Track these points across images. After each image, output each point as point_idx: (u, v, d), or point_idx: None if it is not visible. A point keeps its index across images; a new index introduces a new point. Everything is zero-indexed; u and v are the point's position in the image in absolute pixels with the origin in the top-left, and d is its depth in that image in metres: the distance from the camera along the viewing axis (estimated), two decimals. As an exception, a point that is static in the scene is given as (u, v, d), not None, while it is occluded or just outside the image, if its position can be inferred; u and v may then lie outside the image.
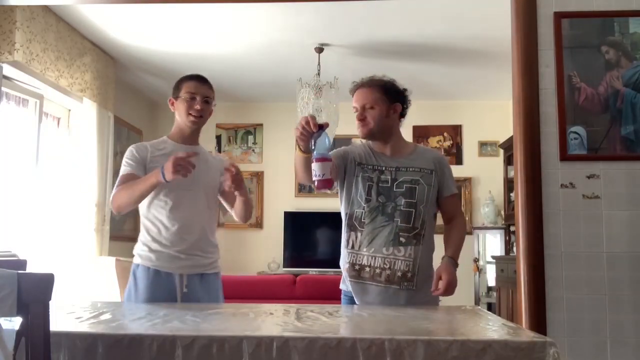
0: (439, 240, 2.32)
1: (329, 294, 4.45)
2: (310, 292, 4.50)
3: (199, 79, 2.45)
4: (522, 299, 2.47)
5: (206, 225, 2.44)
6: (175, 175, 2.11)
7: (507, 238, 6.19)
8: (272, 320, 1.71)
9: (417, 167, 2.32)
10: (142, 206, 2.39)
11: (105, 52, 5.22)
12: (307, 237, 6.73)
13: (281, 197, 6.93)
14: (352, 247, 2.27)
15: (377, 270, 2.21)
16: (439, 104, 6.79)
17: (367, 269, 2.22)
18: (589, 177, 2.48)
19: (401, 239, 2.22)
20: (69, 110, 5.02)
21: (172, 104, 2.46)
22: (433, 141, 6.85)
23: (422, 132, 6.83)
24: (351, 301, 2.29)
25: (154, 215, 2.37)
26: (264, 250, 6.85)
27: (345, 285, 2.33)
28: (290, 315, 1.77)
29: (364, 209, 2.27)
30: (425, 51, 5.20)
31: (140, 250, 2.39)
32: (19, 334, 1.23)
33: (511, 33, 2.61)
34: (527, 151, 2.51)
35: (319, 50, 5.09)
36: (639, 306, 2.42)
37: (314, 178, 2.01)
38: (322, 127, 2.00)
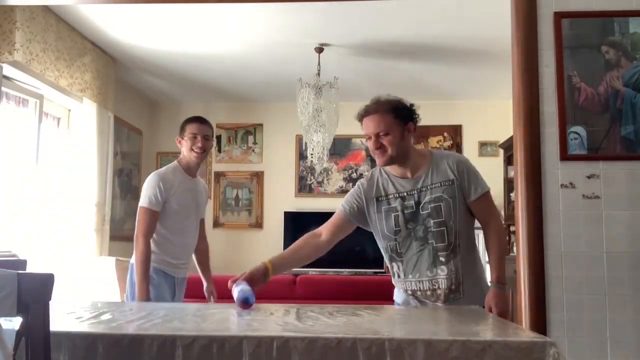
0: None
1: (329, 294, 4.46)
2: (310, 292, 4.50)
3: (199, 121, 3.06)
4: (522, 299, 2.47)
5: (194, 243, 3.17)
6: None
7: (507, 238, 6.18)
8: (272, 320, 1.71)
9: (437, 182, 2.26)
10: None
11: (105, 52, 5.21)
12: (307, 237, 6.71)
13: (281, 197, 6.92)
14: (399, 276, 2.32)
15: (428, 293, 2.25)
16: (439, 104, 6.78)
17: (419, 292, 2.27)
18: (589, 177, 2.48)
19: (441, 258, 2.23)
20: (69, 110, 5.01)
21: (179, 142, 3.07)
22: (433, 141, 6.84)
23: (422, 132, 6.81)
24: None
25: (163, 236, 3.00)
26: (263, 250, 6.83)
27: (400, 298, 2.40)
28: (290, 315, 1.77)
29: (396, 240, 2.28)
30: (425, 51, 5.19)
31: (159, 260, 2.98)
32: (19, 334, 1.23)
33: (511, 33, 2.61)
34: (527, 151, 2.51)
35: (319, 50, 5.09)
36: (639, 306, 2.42)
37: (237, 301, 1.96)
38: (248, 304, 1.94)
